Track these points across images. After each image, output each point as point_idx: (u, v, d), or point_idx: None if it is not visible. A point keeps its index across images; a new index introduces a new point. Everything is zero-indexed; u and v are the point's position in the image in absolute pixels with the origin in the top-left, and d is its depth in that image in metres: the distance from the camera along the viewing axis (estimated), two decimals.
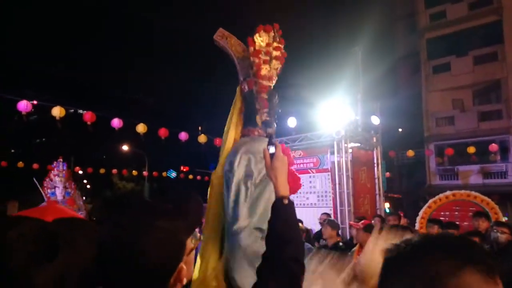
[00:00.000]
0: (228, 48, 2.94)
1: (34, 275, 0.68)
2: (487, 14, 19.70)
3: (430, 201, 9.35)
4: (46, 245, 0.73)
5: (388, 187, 17.14)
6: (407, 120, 21.22)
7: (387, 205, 17.14)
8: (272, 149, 1.61)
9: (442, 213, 8.86)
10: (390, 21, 24.27)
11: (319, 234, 7.64)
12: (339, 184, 9.25)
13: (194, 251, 1.10)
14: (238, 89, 2.89)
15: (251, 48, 2.82)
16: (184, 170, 27.46)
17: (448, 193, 9.13)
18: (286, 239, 1.38)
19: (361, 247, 5.29)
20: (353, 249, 5.49)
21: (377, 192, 10.50)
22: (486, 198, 8.56)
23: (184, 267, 1.01)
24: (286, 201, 1.48)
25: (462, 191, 9.23)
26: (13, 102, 11.03)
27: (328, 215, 8.31)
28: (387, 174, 16.90)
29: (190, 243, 1.05)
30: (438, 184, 19.78)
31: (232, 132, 2.73)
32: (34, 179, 13.18)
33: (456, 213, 8.72)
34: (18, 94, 12.70)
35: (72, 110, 16.52)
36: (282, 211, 1.46)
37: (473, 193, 8.87)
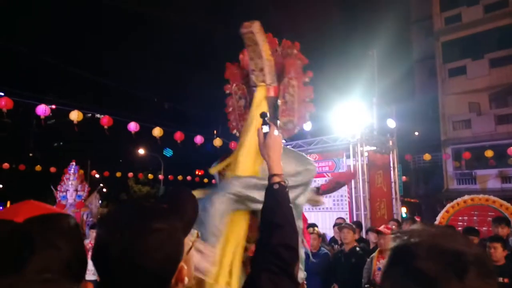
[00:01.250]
0: (261, 46, 2.76)
1: (13, 282, 0.68)
2: (503, 17, 19.42)
3: (448, 205, 9.23)
4: (17, 250, 0.72)
5: (405, 192, 16.96)
6: (423, 124, 21.02)
7: (404, 209, 16.97)
8: (265, 129, 1.61)
9: (460, 218, 8.75)
10: (405, 25, 24.13)
11: (335, 239, 7.61)
12: (355, 188, 9.19)
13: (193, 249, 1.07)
14: (262, 90, 2.77)
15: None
16: (200, 173, 27.60)
17: (466, 197, 9.01)
18: (276, 223, 1.31)
19: (381, 252, 5.23)
20: (372, 255, 5.41)
21: (393, 196, 10.39)
22: (505, 203, 8.42)
23: (185, 266, 1.00)
24: (277, 185, 1.43)
25: (481, 196, 9.10)
26: (32, 106, 11.23)
27: (344, 219, 8.26)
28: (404, 178, 16.74)
29: (188, 241, 1.03)
30: (456, 188, 19.50)
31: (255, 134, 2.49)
32: (52, 186, 13.38)
33: (475, 218, 8.59)
34: (36, 98, 12.96)
35: (90, 114, 16.76)
36: (274, 193, 1.42)
37: (492, 197, 8.73)
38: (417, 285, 0.76)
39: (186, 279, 1.00)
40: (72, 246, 0.80)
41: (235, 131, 2.96)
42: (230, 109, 2.99)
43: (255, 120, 2.55)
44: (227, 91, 3.02)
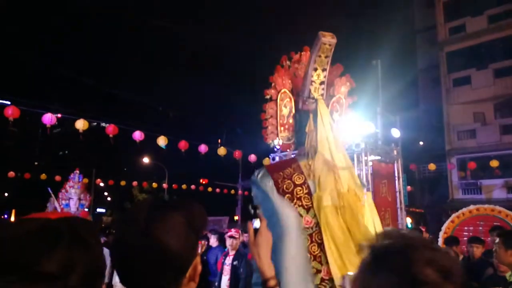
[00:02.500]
0: (329, 60, 2.78)
1: (42, 265, 0.70)
2: (507, 27, 19.44)
3: (453, 215, 9.15)
4: (50, 235, 0.74)
5: (410, 202, 16.84)
6: (428, 133, 20.98)
7: (409, 220, 16.83)
8: (256, 223, 1.44)
9: (465, 228, 8.67)
10: (410, 34, 24.19)
11: None
12: None
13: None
14: (323, 105, 2.76)
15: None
16: (204, 182, 27.58)
17: (471, 207, 8.94)
18: None
19: None
20: None
21: (398, 206, 10.31)
22: (511, 213, 8.35)
23: (199, 265, 1.00)
24: (271, 284, 1.36)
25: (486, 206, 9.02)
26: (38, 115, 11.31)
27: None
28: (409, 187, 16.63)
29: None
30: (461, 198, 19.37)
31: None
32: (49, 189, 13.37)
33: (480, 228, 8.51)
34: (43, 107, 13.06)
35: (95, 123, 16.85)
36: None
37: (498, 207, 8.65)
38: None
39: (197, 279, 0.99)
40: (96, 251, 0.80)
41: (271, 141, 2.82)
42: (269, 117, 2.83)
43: (328, 135, 2.60)
44: (268, 96, 2.87)
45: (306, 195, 2.53)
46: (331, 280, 2.40)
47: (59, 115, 13.43)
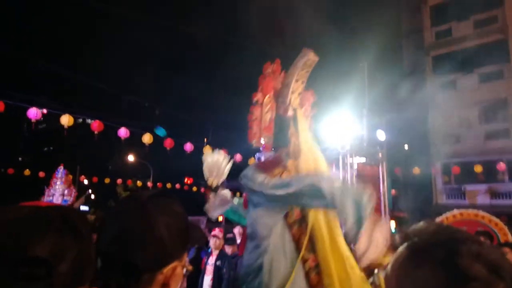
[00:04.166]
0: (308, 74, 3.15)
1: (32, 250, 0.69)
2: (493, 33, 19.76)
3: (437, 220, 9.24)
4: (41, 221, 0.73)
5: (394, 205, 16.96)
6: (413, 137, 21.15)
7: (393, 223, 16.95)
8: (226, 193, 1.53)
9: None
10: (396, 38, 24.40)
11: None
12: None
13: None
14: (301, 114, 3.09)
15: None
16: (188, 182, 27.45)
17: (455, 212, 9.03)
18: None
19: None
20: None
21: (382, 209, 10.40)
22: (494, 218, 8.42)
23: (180, 269, 0.97)
24: None
25: (470, 211, 9.13)
26: (23, 109, 11.14)
27: None
28: (393, 191, 16.77)
29: (180, 269, 1.00)
30: (445, 203, 19.60)
31: None
32: (45, 187, 13.17)
33: None
34: (28, 101, 12.86)
35: (81, 119, 16.64)
36: None
37: (481, 212, 8.75)
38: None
39: None
40: (87, 240, 0.79)
41: (254, 140, 3.12)
42: (254, 118, 3.09)
43: (308, 141, 2.95)
44: (255, 99, 3.10)
45: None
46: (317, 265, 2.63)
47: (44, 111, 13.23)
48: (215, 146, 13.99)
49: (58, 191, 12.70)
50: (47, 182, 14.21)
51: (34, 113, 10.78)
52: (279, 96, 3.10)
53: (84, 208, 32.19)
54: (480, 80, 20.25)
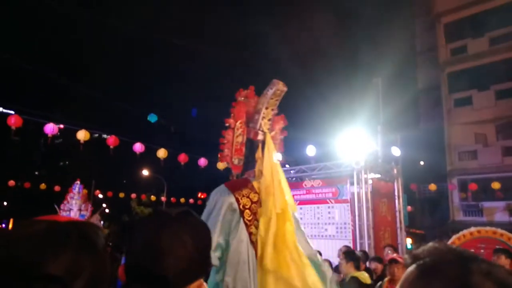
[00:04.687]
0: (278, 103, 3.47)
1: (49, 267, 0.68)
2: (509, 49, 19.57)
3: (454, 237, 9.04)
4: (58, 238, 0.73)
5: (410, 222, 16.70)
6: (429, 153, 20.91)
7: (409, 240, 16.68)
8: None
9: None
10: (411, 54, 24.39)
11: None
12: (359, 215, 9.08)
13: None
14: (269, 138, 3.35)
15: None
16: (202, 196, 27.47)
17: (472, 229, 8.82)
18: None
19: (391, 282, 5.06)
20: (379, 283, 5.23)
21: (398, 225, 10.26)
22: None
23: (205, 286, 1.00)
24: None
25: (487, 228, 8.91)
26: (40, 125, 11.33)
27: (348, 247, 8.13)
28: (409, 208, 16.52)
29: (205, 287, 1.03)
30: (462, 220, 19.20)
31: None
32: (55, 206, 13.33)
33: (482, 251, 8.39)
34: (45, 117, 13.09)
35: (97, 135, 16.86)
36: None
37: (499, 230, 8.53)
38: None
39: None
40: (103, 256, 0.79)
41: (225, 162, 3.38)
42: (226, 142, 3.38)
43: (272, 164, 3.19)
44: (228, 124, 3.40)
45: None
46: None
47: (61, 126, 13.47)
48: None
49: (76, 206, 12.82)
50: (62, 196, 14.38)
51: (51, 128, 10.95)
52: (250, 121, 3.40)
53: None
54: (497, 97, 20.00)
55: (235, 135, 3.34)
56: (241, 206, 2.96)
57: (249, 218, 2.95)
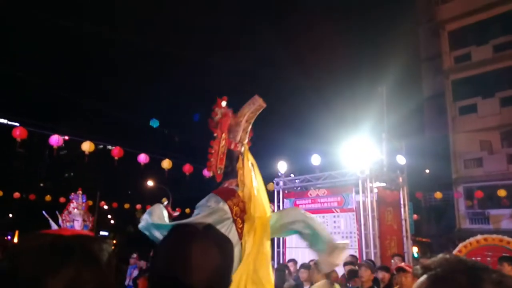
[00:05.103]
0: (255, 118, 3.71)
1: (49, 282, 0.68)
2: None
3: (460, 245, 8.98)
4: (60, 252, 0.72)
5: (416, 230, 16.58)
6: (434, 161, 20.81)
7: (415, 249, 16.55)
8: None
9: (473, 258, 8.47)
10: (415, 62, 24.40)
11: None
12: (364, 224, 9.02)
13: None
14: (247, 149, 3.59)
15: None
16: None
17: (479, 237, 8.77)
18: None
19: None
20: None
21: (404, 234, 10.18)
22: None
23: None
24: None
25: (494, 236, 8.85)
26: (45, 136, 11.39)
27: (356, 257, 8.06)
28: (415, 216, 16.41)
29: None
30: (469, 228, 19.03)
31: None
32: (44, 212, 13.29)
33: (489, 259, 8.31)
34: (50, 129, 13.17)
35: (102, 146, 16.93)
36: None
37: (506, 238, 8.48)
38: None
39: None
40: (108, 270, 0.78)
41: (211, 171, 3.55)
42: (213, 151, 3.54)
43: (251, 174, 3.39)
44: (215, 134, 3.58)
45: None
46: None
47: (66, 137, 13.53)
48: None
49: (80, 216, 12.75)
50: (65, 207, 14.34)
51: (56, 139, 11.01)
52: (231, 133, 3.61)
53: (104, 233, 32.43)
54: (502, 104, 19.94)
55: (220, 145, 3.51)
56: (233, 215, 3.08)
57: (240, 226, 3.09)
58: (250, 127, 3.66)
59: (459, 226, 19.96)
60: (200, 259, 0.97)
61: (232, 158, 3.50)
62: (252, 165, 3.47)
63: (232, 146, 3.53)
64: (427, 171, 22.04)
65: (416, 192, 16.71)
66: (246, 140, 3.62)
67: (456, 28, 21.78)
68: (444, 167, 20.81)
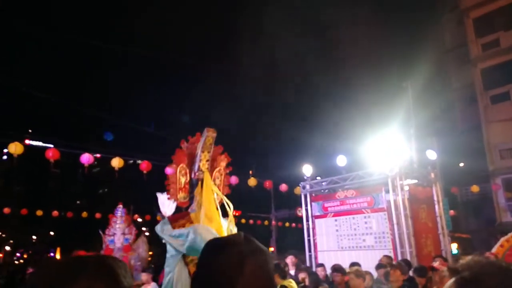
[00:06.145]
0: (212, 146, 4.34)
1: None
2: None
3: (502, 239, 8.66)
4: (76, 267, 0.80)
5: (454, 226, 16.04)
6: (468, 154, 20.10)
7: (454, 245, 15.99)
8: None
9: None
10: (440, 54, 23.73)
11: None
12: (398, 224, 8.77)
13: None
14: (208, 175, 4.26)
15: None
16: (236, 214, 27.47)
17: None
18: None
19: None
20: None
21: (440, 231, 9.84)
22: None
23: None
24: None
25: None
26: (77, 155, 11.69)
27: (391, 258, 7.86)
28: (451, 212, 15.89)
29: None
30: (510, 221, 18.26)
31: None
32: (100, 231, 13.57)
33: None
34: (81, 148, 13.52)
35: (132, 161, 17.25)
36: None
37: None
38: None
39: None
40: (122, 285, 0.83)
41: (173, 200, 4.24)
42: (170, 183, 4.21)
43: (210, 197, 4.15)
44: (170, 169, 4.29)
45: None
46: None
47: (97, 155, 13.86)
48: (259, 177, 13.99)
49: (119, 230, 12.89)
50: (103, 222, 14.62)
51: (87, 158, 11.27)
52: (192, 164, 4.26)
53: None
54: None
55: (177, 177, 4.16)
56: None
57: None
58: (209, 155, 4.29)
59: (500, 220, 19.18)
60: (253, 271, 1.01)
61: (192, 185, 4.24)
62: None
63: (193, 175, 4.24)
64: (462, 164, 21.31)
65: (451, 187, 16.18)
66: (206, 166, 4.27)
67: (481, 15, 21.07)
68: (479, 160, 20.06)
